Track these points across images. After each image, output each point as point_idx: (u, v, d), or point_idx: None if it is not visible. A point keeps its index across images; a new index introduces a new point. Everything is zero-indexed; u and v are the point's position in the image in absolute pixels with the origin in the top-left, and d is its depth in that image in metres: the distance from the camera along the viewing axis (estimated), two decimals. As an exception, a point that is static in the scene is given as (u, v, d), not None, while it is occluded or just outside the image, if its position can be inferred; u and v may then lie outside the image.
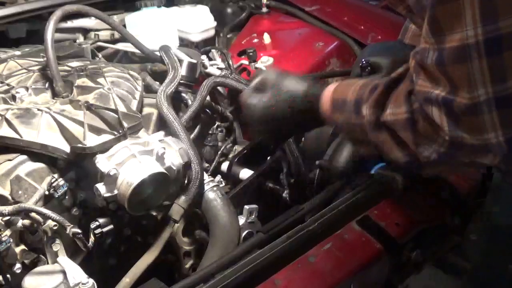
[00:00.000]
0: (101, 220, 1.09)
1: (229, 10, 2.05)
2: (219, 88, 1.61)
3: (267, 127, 1.17)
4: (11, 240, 1.02)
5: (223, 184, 1.43)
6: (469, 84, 0.85)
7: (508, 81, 0.83)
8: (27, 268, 1.04)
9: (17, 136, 1.08)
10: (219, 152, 1.53)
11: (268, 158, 1.50)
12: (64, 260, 1.01)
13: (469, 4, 0.80)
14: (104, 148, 1.07)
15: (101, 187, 1.04)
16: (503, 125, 0.87)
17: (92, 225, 1.08)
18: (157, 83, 1.45)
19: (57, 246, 1.08)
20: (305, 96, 1.11)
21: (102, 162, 1.04)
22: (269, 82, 1.16)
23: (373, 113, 1.02)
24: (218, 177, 1.41)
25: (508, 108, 0.86)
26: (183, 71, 1.44)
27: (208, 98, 1.45)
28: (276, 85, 1.14)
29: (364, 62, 1.39)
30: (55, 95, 1.21)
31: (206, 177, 1.23)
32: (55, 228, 1.05)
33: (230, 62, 1.62)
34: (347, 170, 1.40)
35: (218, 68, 1.62)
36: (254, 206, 1.29)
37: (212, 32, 1.87)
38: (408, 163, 1.01)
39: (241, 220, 1.25)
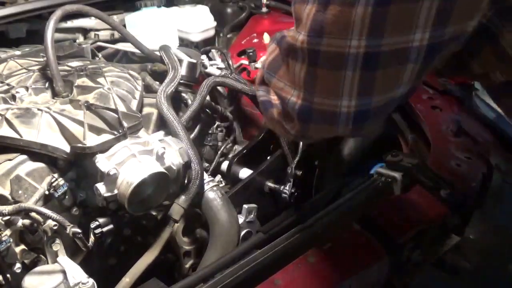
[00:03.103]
0: (101, 220, 1.09)
1: (229, 10, 2.05)
2: (219, 88, 1.61)
3: None
4: (11, 240, 1.02)
5: (223, 183, 1.43)
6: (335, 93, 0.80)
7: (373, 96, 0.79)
8: (27, 268, 1.04)
9: (17, 136, 1.08)
10: (219, 152, 1.53)
11: (268, 157, 1.50)
12: (64, 260, 1.01)
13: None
14: (104, 148, 1.07)
15: (101, 187, 1.04)
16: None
17: (92, 225, 1.08)
18: (157, 83, 1.45)
19: (57, 246, 1.08)
20: None
21: (102, 162, 1.04)
22: None
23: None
24: (218, 177, 1.41)
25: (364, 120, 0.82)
26: (183, 71, 1.44)
27: (208, 98, 1.45)
28: None
29: None
30: (55, 95, 1.21)
31: (206, 177, 1.23)
32: (55, 228, 1.05)
33: (230, 62, 1.62)
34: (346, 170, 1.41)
35: (218, 68, 1.62)
36: (253, 205, 1.29)
37: (212, 32, 1.87)
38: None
39: (240, 220, 1.25)
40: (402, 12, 0.72)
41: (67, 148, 1.08)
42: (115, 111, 1.13)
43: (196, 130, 1.45)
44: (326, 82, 0.81)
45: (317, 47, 0.78)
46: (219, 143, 1.54)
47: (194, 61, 1.49)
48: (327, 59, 0.78)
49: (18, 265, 1.04)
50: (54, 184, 1.07)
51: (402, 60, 0.77)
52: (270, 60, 0.94)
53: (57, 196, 1.07)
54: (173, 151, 1.13)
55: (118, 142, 1.08)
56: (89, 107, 1.13)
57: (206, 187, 1.21)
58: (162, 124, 1.27)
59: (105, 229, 1.09)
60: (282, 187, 1.43)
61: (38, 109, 1.12)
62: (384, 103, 0.82)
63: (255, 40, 1.85)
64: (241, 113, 1.66)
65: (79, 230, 1.01)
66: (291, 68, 0.85)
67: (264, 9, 2.03)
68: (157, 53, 1.48)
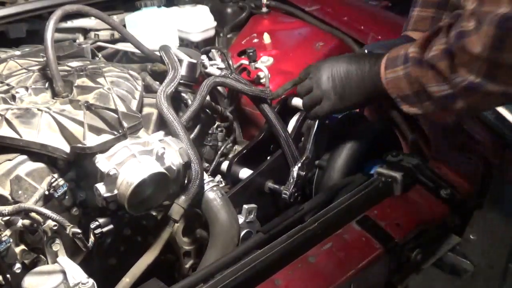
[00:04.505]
0: (101, 220, 1.09)
1: (229, 10, 2.05)
2: (219, 88, 1.61)
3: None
4: (11, 240, 1.02)
5: (223, 183, 1.43)
6: None
7: None
8: (27, 268, 1.04)
9: (17, 136, 1.08)
10: (219, 152, 1.53)
11: (268, 157, 1.50)
12: (64, 260, 1.01)
13: None
14: (104, 148, 1.07)
15: (101, 187, 1.04)
16: None
17: (92, 225, 1.08)
18: (157, 83, 1.45)
19: (57, 246, 1.08)
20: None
21: (102, 162, 1.04)
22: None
23: (417, 52, 1.14)
24: (218, 177, 1.41)
25: None
26: (183, 71, 1.44)
27: (208, 98, 1.45)
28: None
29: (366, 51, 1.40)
30: (55, 95, 1.21)
31: (206, 177, 1.23)
32: (55, 228, 1.05)
33: (230, 62, 1.62)
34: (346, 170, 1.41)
35: (218, 68, 1.62)
36: (253, 205, 1.29)
37: (212, 32, 1.87)
38: (443, 97, 1.11)
39: (240, 220, 1.25)
40: None
41: (67, 148, 1.08)
42: (115, 111, 1.13)
43: (196, 130, 1.45)
44: None
45: None
46: (219, 143, 1.54)
47: (194, 61, 1.49)
48: None
49: (18, 265, 1.04)
50: (54, 184, 1.07)
51: None
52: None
53: (57, 196, 1.07)
54: (173, 151, 1.13)
55: (118, 142, 1.08)
56: (89, 107, 1.13)
57: (206, 187, 1.21)
58: (162, 124, 1.27)
59: (105, 229, 1.09)
60: (283, 187, 1.43)
61: (38, 109, 1.12)
62: None
63: (255, 40, 1.85)
64: (241, 113, 1.66)
65: (79, 230, 1.01)
66: None
67: (264, 9, 2.03)
68: (157, 53, 1.48)
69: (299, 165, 1.42)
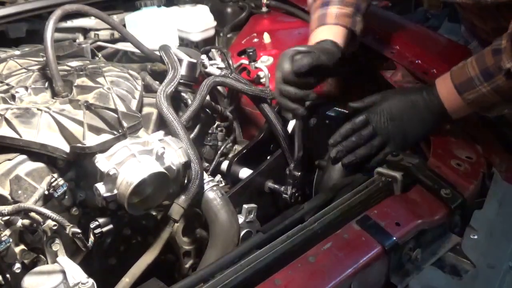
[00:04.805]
0: (101, 220, 1.09)
1: (229, 10, 2.05)
2: (219, 87, 1.61)
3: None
4: (11, 240, 1.02)
5: (223, 183, 1.43)
6: None
7: None
8: (27, 268, 1.04)
9: (16, 136, 1.08)
10: (219, 152, 1.53)
11: (268, 157, 1.50)
12: (63, 260, 1.01)
13: None
14: (103, 147, 1.07)
15: (100, 187, 1.04)
16: None
17: (92, 225, 1.08)
18: (157, 82, 1.45)
19: (57, 246, 1.08)
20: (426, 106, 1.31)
21: (102, 162, 1.04)
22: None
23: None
24: (218, 177, 1.41)
25: None
26: (182, 70, 1.44)
27: (208, 97, 1.45)
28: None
29: None
30: (54, 94, 1.21)
31: (206, 177, 1.23)
32: (54, 228, 1.05)
33: (230, 62, 1.62)
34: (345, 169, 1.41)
35: (218, 67, 1.62)
36: (253, 205, 1.29)
37: (212, 32, 1.88)
38: None
39: (240, 220, 1.26)
40: None
41: (66, 148, 1.08)
42: (115, 111, 1.13)
43: (196, 130, 1.45)
44: None
45: None
46: (219, 143, 1.54)
47: (194, 60, 1.49)
48: None
49: (17, 265, 1.04)
50: (53, 184, 1.07)
51: None
52: None
53: (56, 196, 1.07)
54: (173, 151, 1.13)
55: (118, 142, 1.08)
56: (88, 107, 1.13)
57: (206, 187, 1.21)
58: (162, 124, 1.27)
59: (104, 229, 1.09)
60: (283, 188, 1.43)
61: (38, 109, 1.12)
62: None
63: (255, 40, 1.85)
64: (241, 113, 1.66)
65: (78, 230, 1.01)
66: None
67: (264, 9, 2.03)
68: (157, 52, 1.48)
69: (292, 166, 1.43)
